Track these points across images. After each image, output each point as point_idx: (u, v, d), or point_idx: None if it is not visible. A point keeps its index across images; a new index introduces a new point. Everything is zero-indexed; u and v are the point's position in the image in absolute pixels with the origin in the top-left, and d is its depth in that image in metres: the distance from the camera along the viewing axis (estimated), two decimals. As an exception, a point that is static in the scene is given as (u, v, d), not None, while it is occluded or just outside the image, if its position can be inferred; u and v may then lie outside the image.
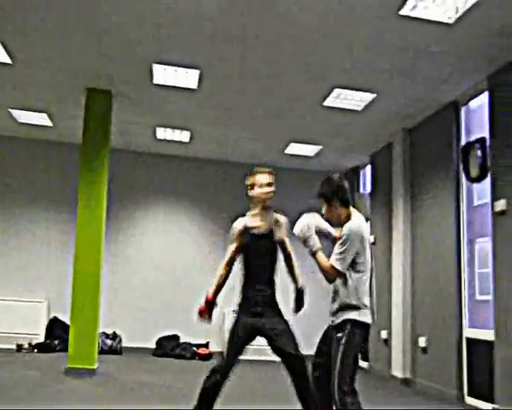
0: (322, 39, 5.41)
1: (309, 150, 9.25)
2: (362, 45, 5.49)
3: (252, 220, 3.76)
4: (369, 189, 9.45)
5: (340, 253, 3.18)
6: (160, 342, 9.42)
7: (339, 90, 6.58)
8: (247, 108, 7.44)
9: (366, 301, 3.27)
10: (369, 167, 9.53)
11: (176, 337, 9.53)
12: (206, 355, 9.21)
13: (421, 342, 7.14)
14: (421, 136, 7.63)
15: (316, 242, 3.28)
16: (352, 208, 3.38)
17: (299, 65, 6.03)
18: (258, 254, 3.73)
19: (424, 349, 7.13)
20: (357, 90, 6.56)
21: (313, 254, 3.27)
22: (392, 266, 7.98)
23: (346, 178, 10.59)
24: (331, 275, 3.22)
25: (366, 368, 8.95)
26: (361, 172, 10.06)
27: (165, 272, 9.91)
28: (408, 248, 7.68)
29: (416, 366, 7.39)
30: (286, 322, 3.65)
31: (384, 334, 8.25)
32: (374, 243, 8.93)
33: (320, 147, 9.02)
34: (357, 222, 3.26)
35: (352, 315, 3.21)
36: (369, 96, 6.72)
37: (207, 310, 3.76)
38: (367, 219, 9.32)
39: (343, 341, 3.19)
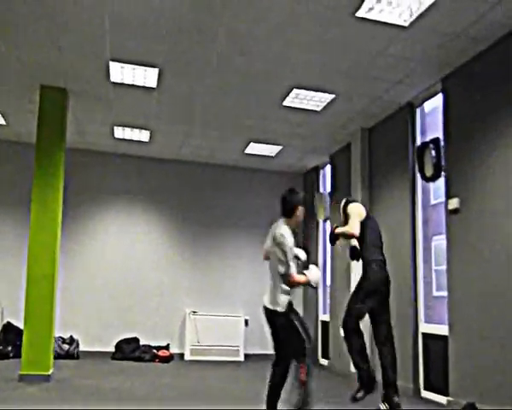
0: (280, 39, 5.43)
1: (269, 150, 9.27)
2: (319, 46, 5.54)
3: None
4: (328, 188, 9.54)
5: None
6: (119, 345, 9.24)
7: (297, 90, 6.62)
8: (207, 107, 7.39)
9: None
10: (328, 167, 9.63)
11: (135, 340, 9.37)
12: (167, 357, 9.10)
13: (379, 339, 7.24)
14: (378, 136, 7.76)
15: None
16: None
17: (258, 64, 6.03)
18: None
19: (382, 346, 7.23)
20: (315, 90, 6.62)
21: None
22: (351, 265, 8.07)
23: (307, 177, 10.69)
24: None
25: (327, 366, 9.04)
26: (321, 172, 10.15)
27: (124, 274, 9.73)
28: (366, 247, 7.78)
29: (373, 361, 7.50)
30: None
31: (343, 332, 8.32)
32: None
33: (280, 147, 9.05)
34: None
35: None
36: (327, 97, 6.79)
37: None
38: (326, 219, 9.42)
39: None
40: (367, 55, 5.67)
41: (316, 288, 4.31)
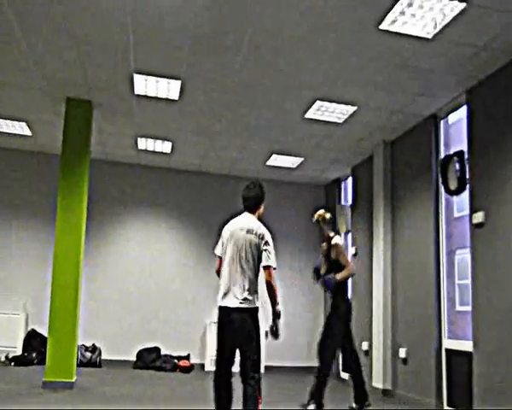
0: (304, 52, 5.47)
1: (291, 162, 9.29)
2: (343, 58, 5.56)
3: None
4: (350, 201, 9.51)
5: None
6: (140, 354, 9.31)
7: (320, 102, 6.64)
8: (229, 119, 7.46)
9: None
10: (350, 179, 9.60)
11: (157, 350, 9.43)
12: (187, 367, 9.13)
13: (402, 353, 7.17)
14: (401, 148, 7.72)
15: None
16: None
17: (281, 77, 6.07)
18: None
19: (404, 360, 7.17)
20: (338, 102, 6.63)
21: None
22: (373, 278, 8.02)
23: (328, 190, 10.66)
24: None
25: (347, 379, 8.95)
26: (342, 185, 10.12)
27: (146, 284, 9.82)
28: (388, 260, 7.73)
29: (396, 377, 7.42)
30: None
31: (365, 345, 8.28)
32: (355, 255, 8.98)
33: (302, 159, 9.07)
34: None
35: None
36: (350, 109, 6.79)
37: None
38: (347, 232, 9.38)
39: None
40: (390, 67, 5.67)
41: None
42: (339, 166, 9.38)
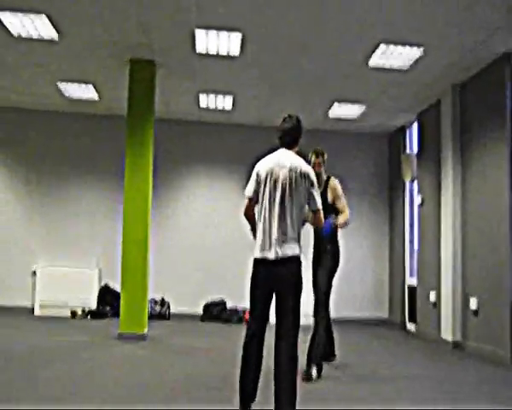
0: (367, -7, 5.17)
1: (353, 111, 8.99)
2: (409, -3, 5.22)
3: None
4: (415, 149, 9.16)
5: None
6: (207, 307, 9.56)
7: (384, 46, 6.31)
8: (290, 70, 7.27)
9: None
10: (415, 127, 9.22)
11: (223, 303, 9.64)
12: (253, 320, 9.28)
13: (473, 303, 6.96)
14: (471, 91, 7.28)
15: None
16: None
17: (342, 22, 5.80)
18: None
19: (475, 312, 6.95)
20: (403, 44, 6.27)
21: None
22: (441, 227, 7.76)
23: (392, 138, 10.30)
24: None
25: (414, 331, 8.85)
26: (407, 132, 9.74)
27: (211, 238, 9.98)
28: (458, 208, 7.43)
29: (466, 328, 7.24)
30: None
31: (432, 296, 8.09)
32: (421, 204, 8.71)
33: (364, 107, 8.76)
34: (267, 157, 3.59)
35: None
36: (416, 52, 6.42)
37: None
38: (413, 180, 9.08)
39: None
40: (461, 1, 5.26)
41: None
42: (403, 113, 9.00)
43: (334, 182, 5.22)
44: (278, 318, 3.34)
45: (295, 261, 3.33)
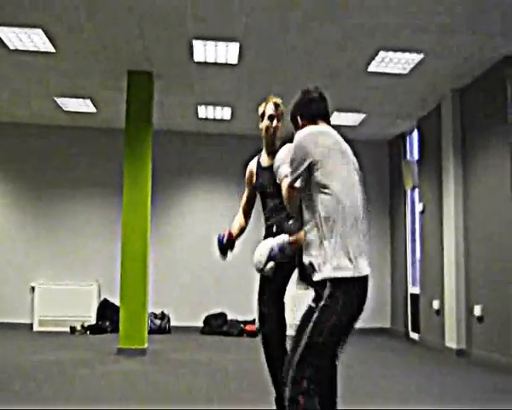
0: (363, 1, 5.11)
1: (353, 119, 8.93)
2: (405, 4, 5.16)
3: (263, 156, 3.46)
4: (416, 156, 9.10)
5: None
6: (207, 320, 9.45)
7: (384, 53, 6.27)
8: (288, 80, 7.21)
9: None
10: (415, 133, 9.16)
11: (223, 315, 9.54)
12: (254, 332, 9.18)
13: (477, 310, 6.85)
14: (471, 97, 7.23)
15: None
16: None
17: (341, 31, 5.75)
18: (268, 194, 3.37)
19: (480, 318, 6.85)
20: (403, 51, 6.22)
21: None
22: (444, 234, 7.67)
23: (392, 145, 10.24)
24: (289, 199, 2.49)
25: (417, 340, 8.73)
26: (407, 139, 9.68)
27: (210, 251, 9.87)
28: (460, 215, 7.35)
29: (471, 336, 7.13)
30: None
31: (436, 304, 7.99)
32: (423, 212, 8.63)
33: (364, 115, 8.70)
34: (308, 130, 2.47)
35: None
36: (415, 57, 6.37)
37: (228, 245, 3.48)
38: (414, 187, 9.01)
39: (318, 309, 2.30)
40: (461, 2, 5.18)
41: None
42: (404, 120, 8.94)
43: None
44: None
45: None
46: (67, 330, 8.90)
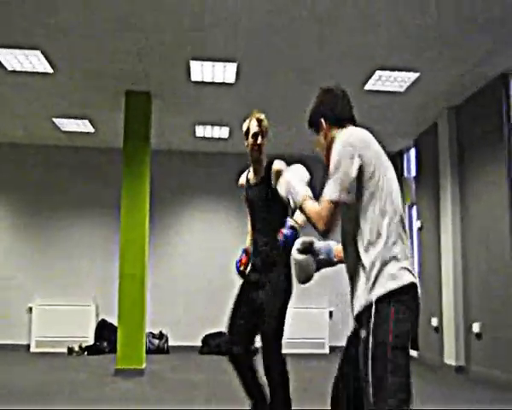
0: (360, 21, 5.17)
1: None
2: (401, 23, 5.22)
3: (251, 173, 3.52)
4: (413, 173, 9.13)
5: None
6: (205, 339, 9.38)
7: (380, 72, 6.32)
8: (286, 99, 7.27)
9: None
10: (413, 151, 9.20)
11: (221, 334, 9.45)
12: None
13: (475, 327, 6.82)
14: (468, 114, 7.28)
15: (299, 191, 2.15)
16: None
17: (338, 50, 5.81)
18: (255, 208, 3.44)
19: (478, 335, 6.82)
20: (400, 70, 6.28)
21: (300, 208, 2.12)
22: (442, 251, 7.67)
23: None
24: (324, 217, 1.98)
25: (416, 357, 8.68)
26: (405, 157, 9.72)
27: (209, 271, 9.85)
28: (458, 232, 7.36)
29: (469, 353, 7.09)
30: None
31: (434, 322, 7.96)
32: (420, 229, 8.63)
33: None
34: (350, 132, 2.09)
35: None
36: (411, 76, 6.42)
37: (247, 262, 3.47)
38: (412, 205, 9.03)
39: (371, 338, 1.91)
40: (456, 20, 5.23)
41: None
42: (401, 137, 8.99)
43: (280, 164, 3.46)
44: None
45: None
46: (65, 350, 8.81)
